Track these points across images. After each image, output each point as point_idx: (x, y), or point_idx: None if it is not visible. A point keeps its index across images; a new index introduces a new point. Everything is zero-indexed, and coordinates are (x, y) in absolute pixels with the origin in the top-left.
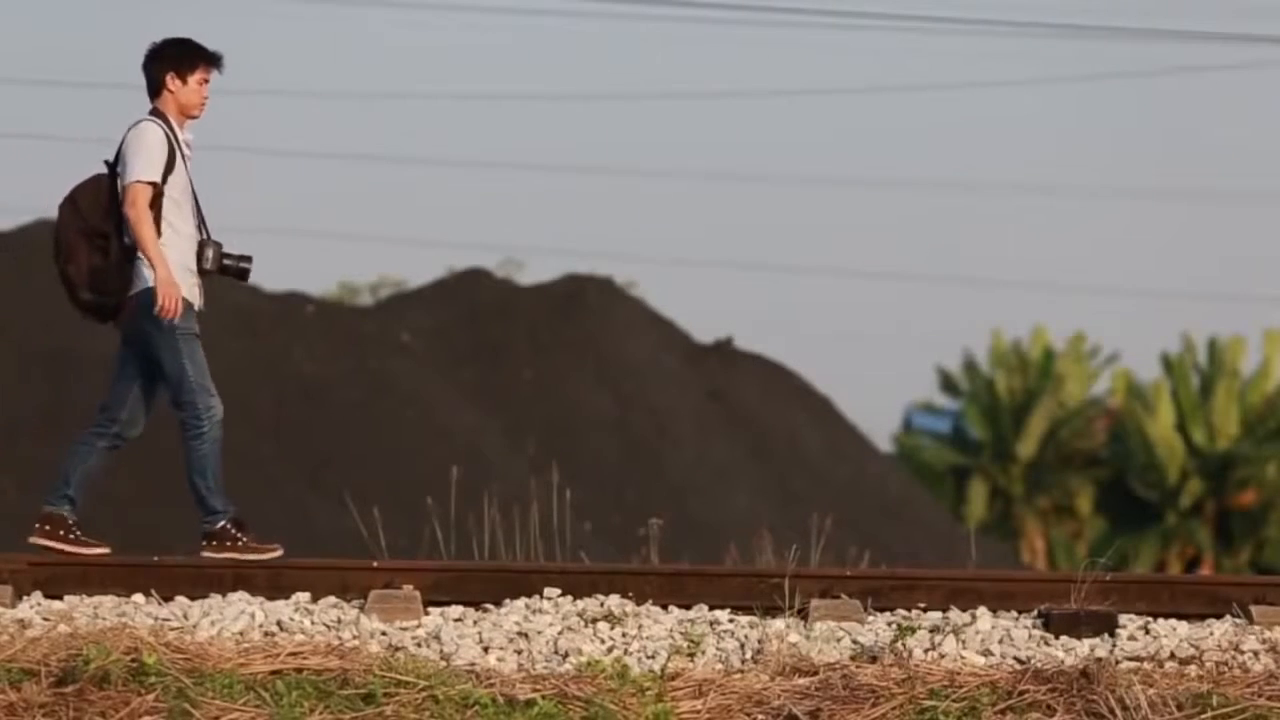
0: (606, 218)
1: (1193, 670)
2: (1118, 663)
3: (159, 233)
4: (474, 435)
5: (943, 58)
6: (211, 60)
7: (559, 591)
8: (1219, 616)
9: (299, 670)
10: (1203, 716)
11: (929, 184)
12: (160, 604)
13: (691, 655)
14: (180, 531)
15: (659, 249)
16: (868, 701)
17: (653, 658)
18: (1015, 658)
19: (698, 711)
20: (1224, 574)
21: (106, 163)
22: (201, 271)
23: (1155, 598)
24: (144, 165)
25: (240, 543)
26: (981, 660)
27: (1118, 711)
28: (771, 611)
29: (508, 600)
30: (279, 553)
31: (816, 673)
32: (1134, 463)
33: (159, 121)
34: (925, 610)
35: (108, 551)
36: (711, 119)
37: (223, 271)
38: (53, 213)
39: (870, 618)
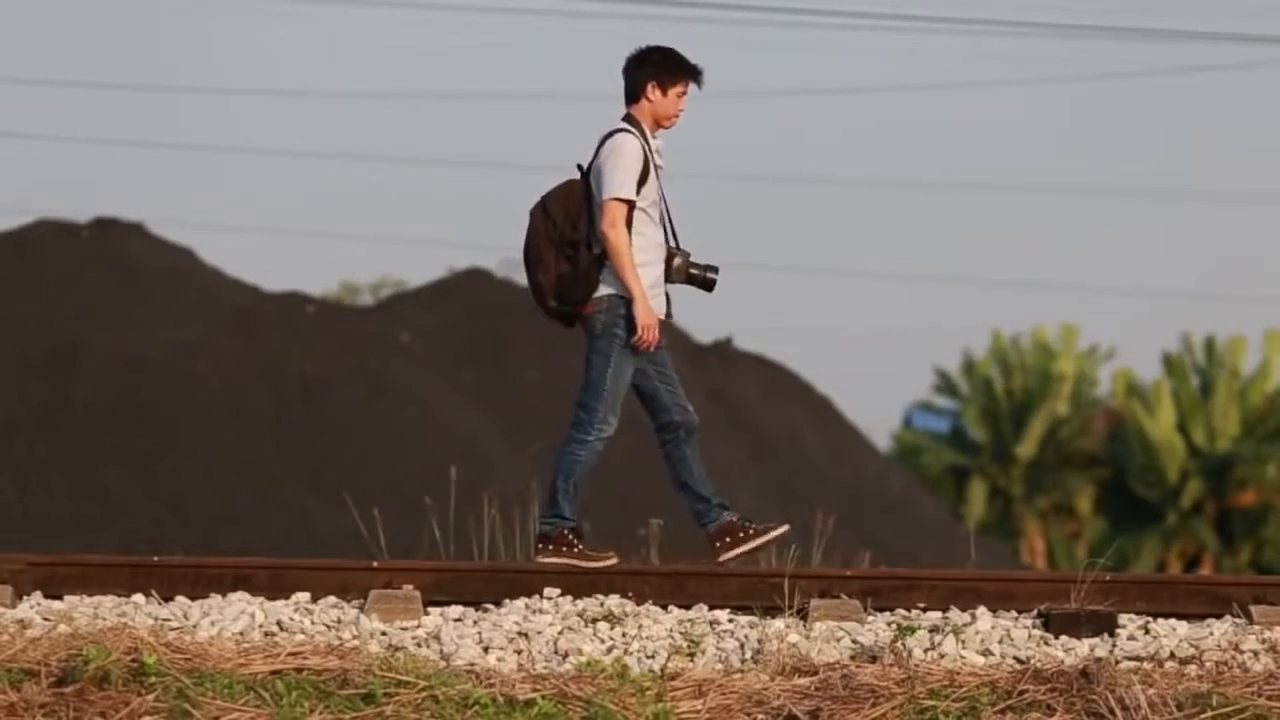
0: None
1: (1193, 670)
2: (1118, 663)
3: (630, 243)
4: (474, 435)
5: (943, 58)
6: (694, 74)
7: (559, 591)
8: (1219, 616)
9: (299, 670)
10: (1203, 716)
11: (929, 184)
12: (160, 604)
13: (691, 655)
14: (179, 532)
15: None
16: (868, 701)
17: (653, 658)
18: (1015, 658)
19: (698, 711)
20: (1224, 574)
21: (579, 167)
22: (668, 281)
23: (1155, 598)
24: (620, 181)
25: (576, 549)
26: (981, 660)
27: (1118, 711)
28: (771, 611)
29: (508, 600)
30: (613, 561)
31: (816, 673)
32: (1134, 463)
33: (634, 131)
34: (925, 610)
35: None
36: (712, 119)
37: (689, 281)
38: (52, 213)
39: (870, 618)
